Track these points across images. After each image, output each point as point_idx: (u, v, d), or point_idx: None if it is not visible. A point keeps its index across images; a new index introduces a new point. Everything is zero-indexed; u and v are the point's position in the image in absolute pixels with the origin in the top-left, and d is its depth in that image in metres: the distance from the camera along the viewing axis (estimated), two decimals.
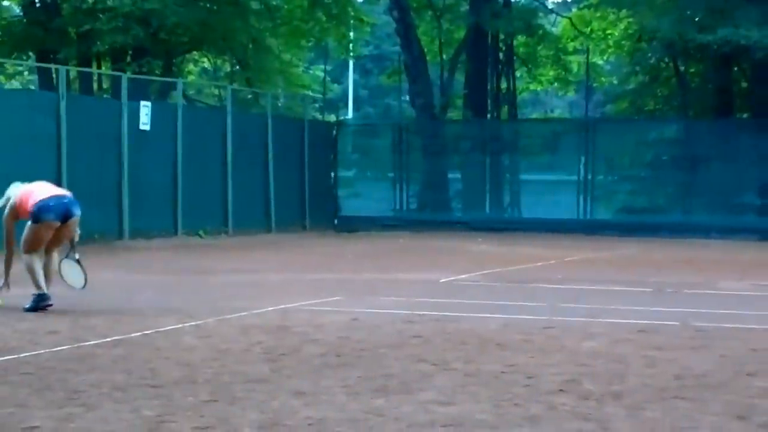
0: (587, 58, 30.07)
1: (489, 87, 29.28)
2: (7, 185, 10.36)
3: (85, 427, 5.28)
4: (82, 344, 7.91)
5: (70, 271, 10.28)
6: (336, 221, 26.78)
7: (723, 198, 25.21)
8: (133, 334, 8.39)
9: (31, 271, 9.81)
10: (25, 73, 32.22)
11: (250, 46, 25.94)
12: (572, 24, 32.56)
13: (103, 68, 25.37)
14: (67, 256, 10.29)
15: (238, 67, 27.17)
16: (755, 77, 26.92)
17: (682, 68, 28.46)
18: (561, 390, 6.31)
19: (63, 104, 18.64)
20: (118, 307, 10.18)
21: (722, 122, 26.51)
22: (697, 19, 25.24)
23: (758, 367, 7.23)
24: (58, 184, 17.82)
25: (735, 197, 25.37)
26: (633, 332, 8.76)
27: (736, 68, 28.03)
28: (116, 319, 9.26)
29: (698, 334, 8.74)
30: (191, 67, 31.19)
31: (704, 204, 25.49)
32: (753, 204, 25.62)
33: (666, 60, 28.49)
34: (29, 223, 9.94)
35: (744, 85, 28.69)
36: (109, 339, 8.15)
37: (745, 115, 28.42)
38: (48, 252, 10.03)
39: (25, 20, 25.50)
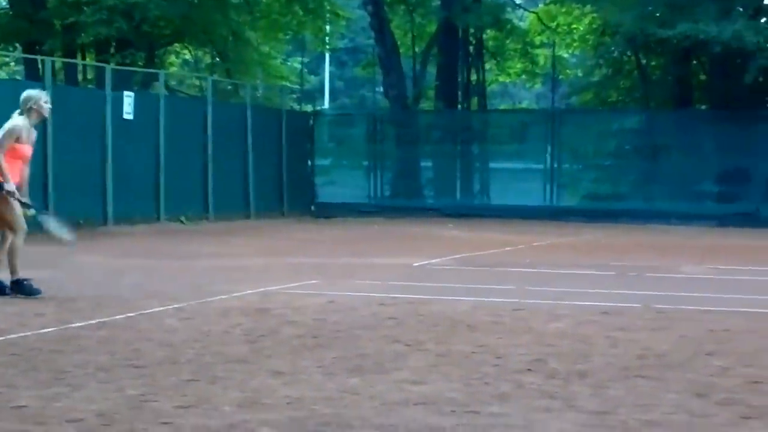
0: (553, 51, 30.50)
1: (459, 79, 29.53)
2: None
3: (71, 406, 5.31)
4: (67, 326, 7.93)
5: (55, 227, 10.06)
6: (313, 208, 26.97)
7: (683, 185, 25.56)
8: (117, 317, 8.45)
9: None
10: (12, 63, 32.00)
11: (230, 38, 25.98)
12: (539, 19, 32.72)
13: (88, 59, 25.38)
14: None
15: (218, 59, 27.25)
16: (713, 70, 27.28)
17: (643, 61, 28.86)
18: (528, 369, 6.42)
19: (49, 94, 18.71)
20: (103, 291, 10.13)
21: (682, 113, 26.86)
22: (658, 14, 25.55)
23: (716, 347, 7.35)
24: (44, 172, 17.99)
25: (694, 185, 25.70)
26: (597, 314, 8.92)
27: (695, 61, 28.33)
28: (100, 302, 9.26)
29: (659, 315, 8.90)
30: (173, 58, 31.05)
31: (665, 191, 25.84)
32: (711, 191, 25.95)
33: (628, 53, 28.80)
34: None
35: (703, 77, 29.04)
36: (93, 321, 8.18)
37: (703, 107, 28.75)
38: None
39: (11, 12, 25.57)
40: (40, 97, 9.83)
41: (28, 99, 9.76)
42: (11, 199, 9.53)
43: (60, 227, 10.06)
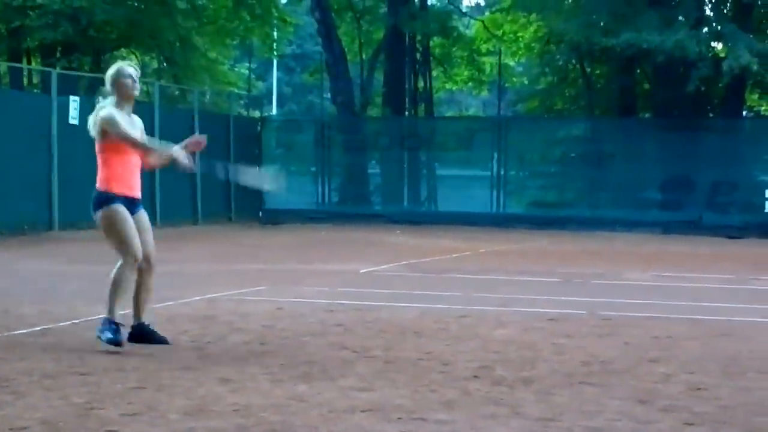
0: (499, 59, 30.49)
1: (407, 86, 29.68)
2: None
3: (15, 414, 5.24)
4: (11, 333, 7.85)
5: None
6: (261, 214, 26.88)
7: (627, 193, 25.78)
8: (62, 323, 8.38)
9: None
10: None
11: (177, 44, 25.96)
12: (485, 27, 32.94)
13: (33, 64, 25.28)
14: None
15: (165, 64, 27.21)
16: (656, 79, 27.61)
17: (588, 70, 29.21)
18: (475, 376, 6.44)
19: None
20: (48, 297, 10.01)
21: (626, 121, 27.16)
22: (602, 23, 25.85)
23: (660, 353, 7.40)
24: None
25: (638, 192, 25.89)
26: (543, 321, 8.98)
27: (638, 70, 28.69)
28: (46, 308, 9.15)
29: (604, 322, 8.97)
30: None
31: (610, 199, 26.06)
32: (655, 199, 26.13)
33: (573, 62, 29.15)
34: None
35: (646, 86, 29.38)
36: (38, 328, 8.13)
37: (647, 115, 29.12)
38: None
39: None
40: (118, 71, 7.36)
41: (108, 78, 7.38)
42: (121, 215, 7.30)
43: (257, 177, 8.24)
